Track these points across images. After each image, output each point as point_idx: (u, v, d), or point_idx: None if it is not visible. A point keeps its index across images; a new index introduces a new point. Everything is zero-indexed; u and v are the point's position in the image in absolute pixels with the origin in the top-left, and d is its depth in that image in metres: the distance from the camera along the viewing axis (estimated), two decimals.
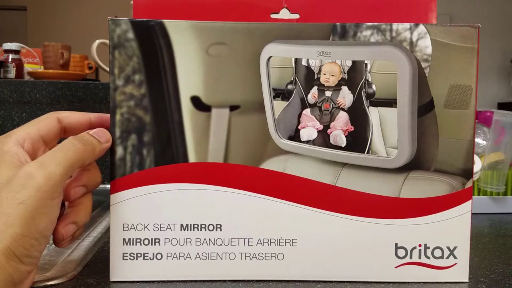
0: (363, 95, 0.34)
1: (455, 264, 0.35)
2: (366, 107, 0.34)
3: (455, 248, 0.35)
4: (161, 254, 0.35)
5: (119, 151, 0.34)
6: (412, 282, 0.35)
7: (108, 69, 0.56)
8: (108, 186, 0.35)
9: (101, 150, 0.33)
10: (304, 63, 0.35)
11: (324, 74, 0.35)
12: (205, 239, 0.35)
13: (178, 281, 0.35)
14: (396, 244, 0.35)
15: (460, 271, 0.35)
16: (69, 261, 0.39)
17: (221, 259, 0.35)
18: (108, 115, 0.34)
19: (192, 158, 0.34)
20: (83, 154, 0.31)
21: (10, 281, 0.27)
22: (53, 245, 0.32)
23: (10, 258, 0.27)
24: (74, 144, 0.31)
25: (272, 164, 0.35)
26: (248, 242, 0.35)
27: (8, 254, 0.27)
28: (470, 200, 0.35)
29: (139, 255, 0.35)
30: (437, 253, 0.35)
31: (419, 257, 0.35)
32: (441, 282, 0.35)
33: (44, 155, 0.30)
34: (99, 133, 0.33)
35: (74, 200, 0.32)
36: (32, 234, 0.28)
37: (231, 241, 0.35)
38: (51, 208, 0.29)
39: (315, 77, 0.35)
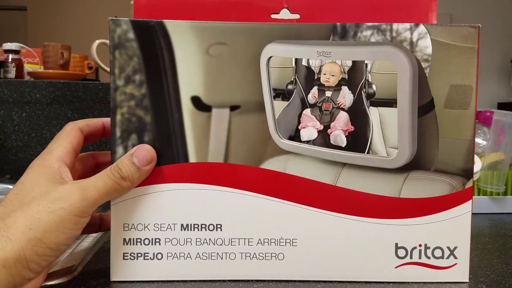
0: (363, 95, 0.34)
1: (455, 264, 0.35)
2: (366, 107, 0.34)
3: (455, 248, 0.35)
4: (161, 254, 0.35)
5: (119, 151, 0.34)
6: (412, 282, 0.35)
7: (108, 69, 0.56)
8: None
9: (140, 176, 0.33)
10: (304, 63, 0.35)
11: (324, 74, 0.35)
12: (205, 239, 0.35)
13: (178, 281, 0.35)
14: (396, 244, 0.35)
15: (460, 271, 0.35)
16: (69, 261, 0.39)
17: (221, 259, 0.35)
18: None
19: (192, 158, 0.34)
20: (122, 188, 0.32)
21: (11, 282, 0.28)
22: None
23: (18, 261, 0.28)
24: (114, 175, 0.32)
25: (272, 164, 0.35)
26: (248, 242, 0.35)
27: (18, 256, 0.28)
28: (470, 200, 0.35)
29: (139, 255, 0.35)
30: (437, 253, 0.35)
31: (419, 257, 0.35)
32: (441, 282, 0.35)
33: (86, 180, 0.31)
34: (140, 155, 0.33)
35: None
36: (50, 243, 0.29)
37: (231, 241, 0.35)
38: (75, 225, 0.30)
39: (315, 77, 0.35)
